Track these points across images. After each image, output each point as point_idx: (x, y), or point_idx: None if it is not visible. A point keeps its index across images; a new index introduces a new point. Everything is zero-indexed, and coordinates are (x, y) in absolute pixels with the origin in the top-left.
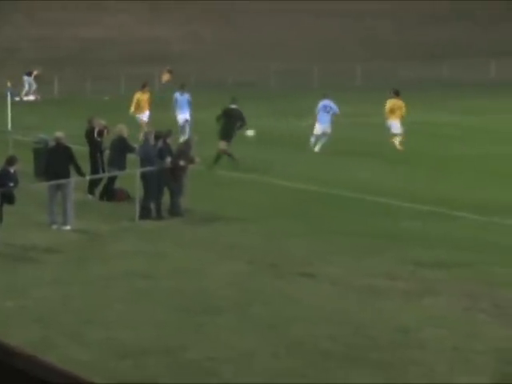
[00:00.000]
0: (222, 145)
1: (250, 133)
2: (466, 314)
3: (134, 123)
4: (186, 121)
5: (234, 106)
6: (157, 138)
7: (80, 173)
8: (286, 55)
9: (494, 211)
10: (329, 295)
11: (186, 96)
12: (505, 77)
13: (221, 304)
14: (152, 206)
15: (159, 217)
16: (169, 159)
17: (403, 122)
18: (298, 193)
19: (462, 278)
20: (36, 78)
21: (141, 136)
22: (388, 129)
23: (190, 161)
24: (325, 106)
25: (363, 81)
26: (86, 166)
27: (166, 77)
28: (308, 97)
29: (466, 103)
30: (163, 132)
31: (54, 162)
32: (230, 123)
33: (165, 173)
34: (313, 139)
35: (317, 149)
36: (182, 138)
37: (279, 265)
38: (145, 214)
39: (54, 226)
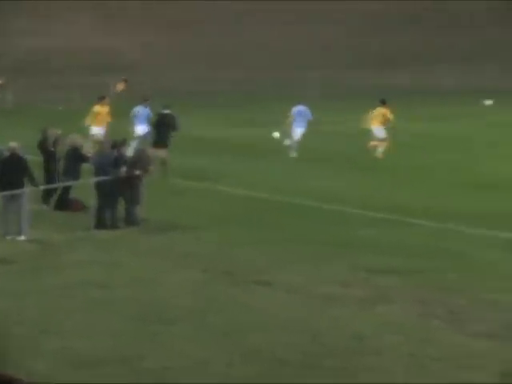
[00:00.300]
0: (162, 153)
1: (276, 135)
2: (421, 320)
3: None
4: (147, 132)
5: (166, 112)
6: (112, 147)
7: (34, 184)
8: (238, 64)
9: (447, 218)
10: (284, 303)
11: (148, 110)
12: (452, 83)
13: (176, 313)
14: (107, 215)
15: (114, 226)
16: (124, 168)
17: (389, 131)
18: (253, 201)
19: (416, 284)
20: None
21: (93, 147)
22: (371, 135)
23: (145, 170)
24: (300, 112)
25: (315, 89)
26: (40, 176)
27: (120, 86)
28: (260, 105)
29: (415, 111)
30: (118, 141)
31: (8, 173)
32: (165, 130)
33: (120, 182)
34: (289, 142)
35: (294, 154)
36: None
37: (234, 273)
38: (100, 223)
39: (8, 237)
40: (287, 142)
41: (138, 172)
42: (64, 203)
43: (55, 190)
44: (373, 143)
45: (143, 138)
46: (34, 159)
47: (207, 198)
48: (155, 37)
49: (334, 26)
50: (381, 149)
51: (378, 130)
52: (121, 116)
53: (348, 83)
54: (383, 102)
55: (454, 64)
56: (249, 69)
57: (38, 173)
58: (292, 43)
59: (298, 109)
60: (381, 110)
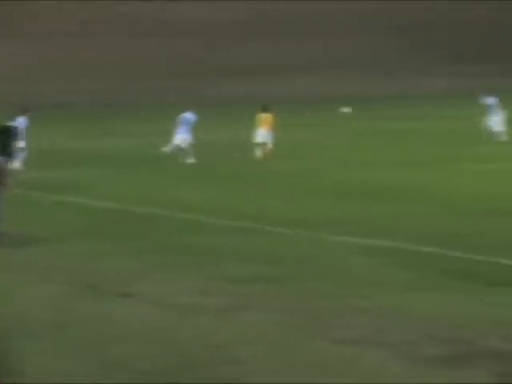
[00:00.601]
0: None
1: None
2: (282, 328)
3: None
4: (23, 147)
5: (9, 123)
6: None
7: None
8: (100, 75)
9: (307, 225)
10: (146, 314)
11: (27, 121)
12: (311, 92)
13: (37, 327)
14: None
15: None
16: None
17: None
18: (113, 213)
19: (276, 292)
20: None
21: None
22: (258, 138)
23: (3, 184)
24: (184, 119)
25: (176, 99)
26: None
27: None
28: (121, 115)
29: (281, 118)
30: None
31: None
32: (7, 141)
33: None
34: (168, 149)
35: (190, 160)
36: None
37: (96, 285)
38: None
39: None
40: (165, 149)
41: None
42: None
43: None
44: (263, 148)
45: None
46: None
47: (67, 211)
48: (21, 48)
49: (190, 36)
50: (263, 151)
51: (264, 134)
52: None
53: (208, 92)
54: (265, 109)
55: (312, 73)
56: (109, 80)
57: None
58: (150, 54)
59: (184, 116)
60: (265, 116)
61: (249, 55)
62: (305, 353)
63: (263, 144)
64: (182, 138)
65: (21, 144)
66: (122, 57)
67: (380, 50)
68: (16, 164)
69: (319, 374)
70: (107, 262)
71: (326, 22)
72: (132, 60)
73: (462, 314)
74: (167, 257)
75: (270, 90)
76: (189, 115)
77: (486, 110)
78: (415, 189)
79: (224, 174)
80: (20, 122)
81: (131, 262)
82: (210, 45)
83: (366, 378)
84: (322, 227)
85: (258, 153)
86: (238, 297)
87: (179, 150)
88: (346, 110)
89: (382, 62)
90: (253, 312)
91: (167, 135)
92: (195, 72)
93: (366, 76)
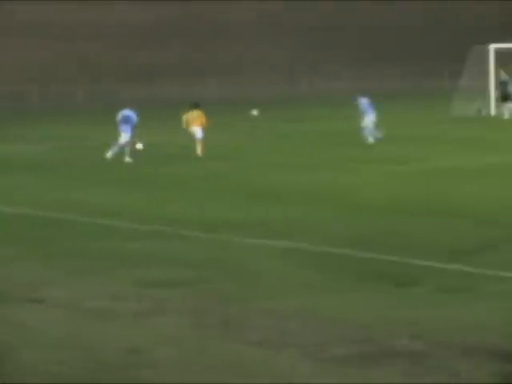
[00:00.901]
0: None
1: (139, 146)
2: (195, 330)
3: None
4: None
5: None
6: None
7: None
8: (5, 78)
9: (221, 228)
10: (58, 320)
11: None
12: (220, 94)
13: None
14: None
15: None
16: None
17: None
18: (24, 218)
19: (190, 295)
20: None
21: None
22: (193, 136)
23: None
24: (124, 117)
25: (85, 103)
26: None
27: None
28: (26, 121)
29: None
30: None
31: None
32: None
33: None
34: (116, 149)
35: (128, 159)
36: None
37: (6, 291)
38: None
39: None
40: (108, 154)
41: None
42: None
43: None
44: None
45: None
46: None
47: None
48: None
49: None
50: (199, 147)
51: (197, 130)
52: None
53: (120, 96)
54: (195, 106)
55: (222, 75)
56: (16, 83)
57: None
58: (57, 58)
59: (124, 113)
60: (197, 113)
61: (156, 58)
62: (218, 355)
63: (199, 140)
64: (126, 136)
65: None
66: (31, 59)
67: (289, 51)
68: None
69: (233, 376)
70: (17, 267)
71: (236, 25)
72: (41, 62)
73: (372, 314)
74: (79, 262)
75: (177, 93)
76: (127, 112)
77: (360, 110)
78: (325, 190)
79: (136, 178)
80: None
81: (42, 268)
82: (111, 47)
83: (279, 379)
84: (234, 230)
85: (198, 150)
86: (152, 301)
87: (122, 149)
88: (255, 112)
89: (289, 63)
90: (166, 315)
91: (81, 139)
92: (104, 76)
93: (274, 78)
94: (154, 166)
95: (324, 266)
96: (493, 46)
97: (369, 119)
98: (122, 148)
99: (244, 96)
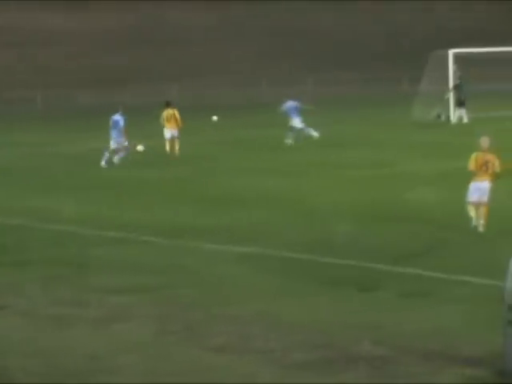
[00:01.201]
0: None
1: (140, 148)
2: (157, 337)
3: None
4: None
5: None
6: None
7: None
8: None
9: (179, 234)
10: (19, 326)
11: None
12: (184, 99)
13: None
14: None
15: None
16: None
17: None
18: None
19: (151, 301)
20: None
21: None
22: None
23: None
24: (113, 122)
25: (44, 108)
26: None
27: None
28: None
29: (145, 128)
30: None
31: None
32: None
33: None
34: (107, 154)
35: (116, 161)
36: None
37: None
38: None
39: None
40: (103, 162)
41: None
42: None
43: None
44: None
45: None
46: None
47: None
48: None
49: (58, 45)
50: (177, 146)
51: (171, 132)
52: None
53: (78, 101)
54: (168, 104)
55: (183, 80)
56: None
57: None
58: (17, 63)
59: (113, 119)
60: (171, 112)
61: (117, 63)
62: (180, 361)
63: (172, 140)
64: (117, 141)
65: None
66: None
67: (250, 55)
68: None
69: (195, 382)
70: None
71: (195, 29)
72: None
73: (334, 319)
74: (38, 269)
75: (138, 99)
76: (117, 117)
77: (287, 113)
78: (288, 195)
79: (101, 184)
80: None
81: (3, 275)
82: (71, 54)
83: None
84: (199, 236)
85: (175, 149)
86: (114, 307)
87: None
88: (215, 118)
89: (250, 68)
90: (129, 322)
91: (41, 145)
92: (62, 81)
93: (235, 82)
94: (119, 171)
95: (287, 271)
96: (452, 51)
97: (295, 121)
98: (113, 153)
99: (205, 101)
